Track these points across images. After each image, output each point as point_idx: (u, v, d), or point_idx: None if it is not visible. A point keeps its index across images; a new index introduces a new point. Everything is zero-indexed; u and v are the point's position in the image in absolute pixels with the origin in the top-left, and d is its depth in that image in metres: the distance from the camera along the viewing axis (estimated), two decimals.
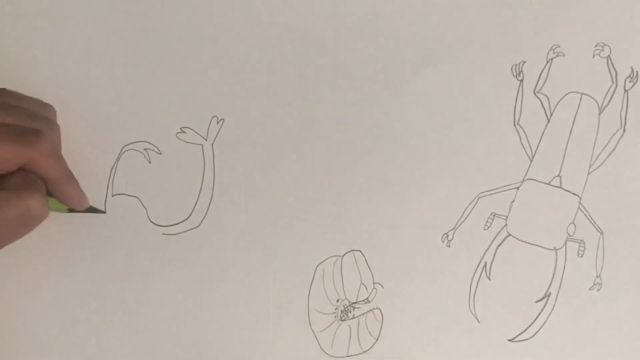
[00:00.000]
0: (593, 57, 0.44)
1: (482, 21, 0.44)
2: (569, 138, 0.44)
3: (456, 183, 0.44)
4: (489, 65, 0.44)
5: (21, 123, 0.39)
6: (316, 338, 0.45)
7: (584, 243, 0.44)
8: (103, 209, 0.43)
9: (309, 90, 0.44)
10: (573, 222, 0.44)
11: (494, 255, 0.44)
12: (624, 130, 0.44)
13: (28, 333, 0.44)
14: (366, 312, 0.44)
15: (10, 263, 0.44)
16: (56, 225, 0.43)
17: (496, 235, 0.44)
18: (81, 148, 0.44)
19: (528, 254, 0.44)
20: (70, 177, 0.41)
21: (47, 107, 0.42)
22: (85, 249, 0.44)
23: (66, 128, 0.44)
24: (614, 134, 0.44)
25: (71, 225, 0.43)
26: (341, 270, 0.44)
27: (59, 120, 0.43)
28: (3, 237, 0.38)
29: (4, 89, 0.42)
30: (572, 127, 0.44)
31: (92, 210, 0.43)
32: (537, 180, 0.44)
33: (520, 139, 0.44)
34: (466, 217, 0.44)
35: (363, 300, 0.45)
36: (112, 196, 0.44)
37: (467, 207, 0.44)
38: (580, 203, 0.44)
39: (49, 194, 0.41)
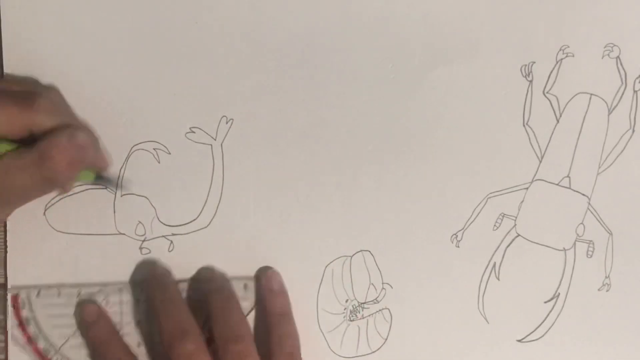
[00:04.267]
0: (602, 57, 0.44)
1: (491, 21, 0.44)
2: (578, 139, 0.44)
3: (465, 183, 0.44)
4: (498, 65, 0.44)
5: (17, 89, 0.40)
6: (325, 338, 0.45)
7: (593, 244, 0.44)
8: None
9: (318, 90, 0.44)
10: (582, 223, 0.44)
11: (503, 256, 0.44)
12: (633, 131, 0.44)
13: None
14: (375, 313, 0.44)
15: (18, 264, 0.44)
16: (65, 225, 0.43)
17: (505, 236, 0.44)
18: None
19: (537, 254, 0.44)
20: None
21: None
22: (95, 249, 0.44)
23: None
24: (623, 135, 0.44)
25: (79, 225, 0.43)
26: (350, 271, 0.44)
27: None
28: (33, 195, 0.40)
29: None
30: (582, 127, 0.44)
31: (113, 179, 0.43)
32: (546, 181, 0.44)
33: (530, 140, 0.44)
34: (475, 218, 0.44)
35: (372, 301, 0.44)
36: (121, 196, 0.44)
37: (476, 208, 0.44)
38: (589, 204, 0.44)
39: None
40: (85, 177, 0.42)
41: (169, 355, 0.39)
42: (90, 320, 0.42)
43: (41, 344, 0.42)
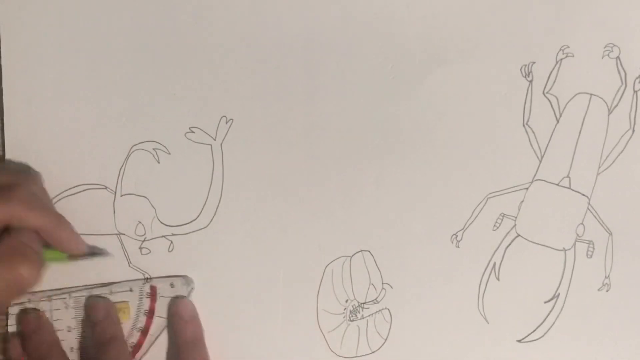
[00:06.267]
0: (602, 57, 0.44)
1: (491, 22, 0.44)
2: (578, 139, 0.44)
3: (465, 183, 0.44)
4: (498, 65, 0.44)
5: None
6: (325, 338, 0.45)
7: (593, 244, 0.44)
8: (107, 251, 0.43)
9: (317, 91, 0.44)
10: (582, 223, 0.44)
11: (503, 256, 0.44)
12: (633, 131, 0.44)
13: None
14: (375, 313, 0.44)
15: None
16: None
17: (505, 236, 0.44)
18: (90, 148, 0.44)
19: (537, 254, 0.44)
20: (59, 222, 0.40)
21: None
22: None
23: (75, 128, 0.44)
24: (623, 135, 0.44)
25: (79, 225, 0.43)
26: (350, 271, 0.44)
27: (69, 121, 0.43)
28: None
29: None
30: (582, 127, 0.44)
31: (95, 253, 0.43)
32: (546, 181, 0.44)
33: (530, 140, 0.44)
34: (475, 218, 0.44)
35: (372, 301, 0.44)
36: (121, 196, 0.44)
37: (476, 208, 0.44)
38: (589, 204, 0.44)
39: (46, 244, 0.40)
40: (56, 258, 0.41)
41: None
42: (31, 329, 0.42)
43: None
